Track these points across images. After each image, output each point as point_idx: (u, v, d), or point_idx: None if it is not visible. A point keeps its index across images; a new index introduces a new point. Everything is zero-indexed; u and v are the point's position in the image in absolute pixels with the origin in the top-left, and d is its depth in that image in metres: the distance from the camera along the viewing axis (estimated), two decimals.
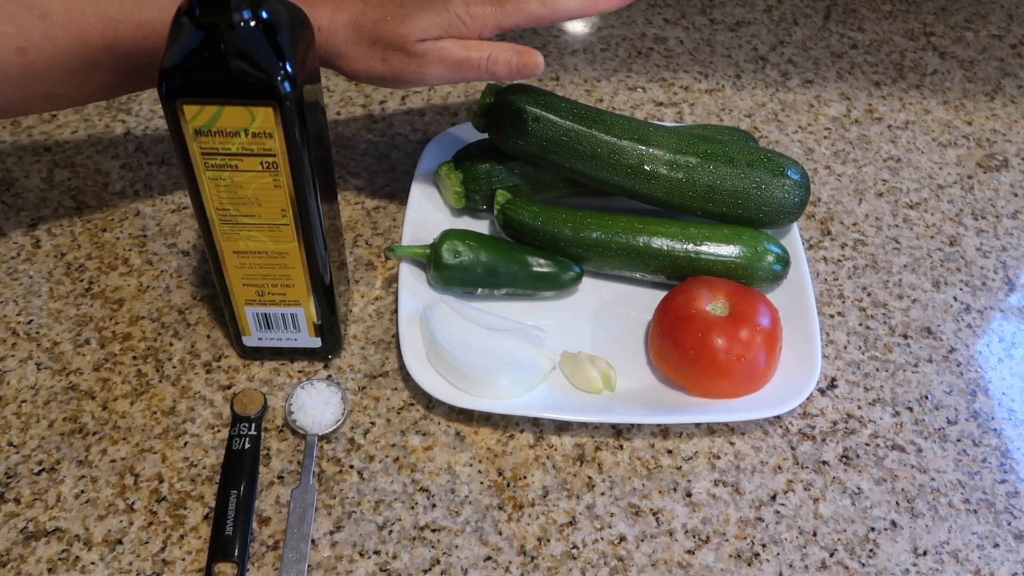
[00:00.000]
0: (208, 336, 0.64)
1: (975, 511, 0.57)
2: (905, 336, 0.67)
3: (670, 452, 0.59)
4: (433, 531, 0.55)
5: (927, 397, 0.63)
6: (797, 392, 0.59)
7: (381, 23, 0.57)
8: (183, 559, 0.53)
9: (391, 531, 0.55)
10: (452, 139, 0.74)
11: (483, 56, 0.57)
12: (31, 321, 0.65)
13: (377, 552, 0.54)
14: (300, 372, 0.63)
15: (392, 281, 0.68)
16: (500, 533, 0.55)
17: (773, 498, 0.57)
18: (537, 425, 0.60)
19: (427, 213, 0.70)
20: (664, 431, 0.60)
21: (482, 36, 0.58)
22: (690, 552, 0.55)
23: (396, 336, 0.64)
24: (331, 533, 0.55)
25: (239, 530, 0.54)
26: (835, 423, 0.61)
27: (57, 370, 0.62)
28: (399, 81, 0.60)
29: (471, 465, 0.58)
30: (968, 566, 0.55)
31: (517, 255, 0.65)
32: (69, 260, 0.69)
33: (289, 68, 0.47)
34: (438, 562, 0.54)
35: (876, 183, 0.78)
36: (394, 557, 0.54)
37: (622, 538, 0.55)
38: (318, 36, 0.57)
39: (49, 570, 0.53)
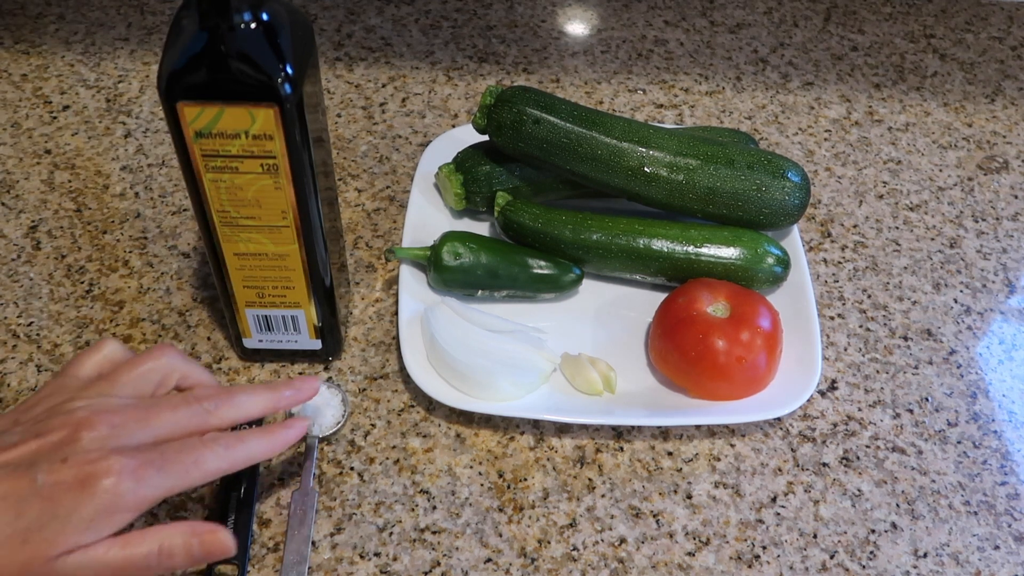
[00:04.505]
0: (208, 338, 0.64)
1: (975, 513, 0.57)
2: (905, 338, 0.67)
3: (670, 454, 0.59)
4: (433, 533, 0.55)
5: (927, 399, 0.63)
6: (797, 394, 0.59)
7: None
8: None
9: (391, 533, 0.55)
10: (452, 141, 0.74)
11: (152, 551, 0.43)
12: (31, 323, 0.65)
13: (377, 554, 0.54)
14: (300, 374, 0.63)
15: (392, 283, 0.68)
16: (500, 535, 0.55)
17: (773, 500, 0.57)
18: (537, 427, 0.60)
19: (427, 215, 0.70)
20: (664, 433, 0.60)
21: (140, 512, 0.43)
22: (690, 554, 0.55)
23: (396, 338, 0.64)
24: (331, 535, 0.55)
25: (239, 532, 0.54)
26: (835, 425, 0.61)
27: (58, 372, 0.62)
28: None
29: (471, 467, 0.58)
30: (968, 568, 0.55)
31: (517, 257, 0.65)
32: (69, 262, 0.69)
33: (290, 70, 0.47)
34: (438, 564, 0.54)
35: (876, 185, 0.78)
36: (394, 559, 0.54)
37: (622, 540, 0.55)
38: None
39: None
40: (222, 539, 0.45)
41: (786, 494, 0.58)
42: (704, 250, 0.64)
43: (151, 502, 0.43)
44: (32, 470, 0.41)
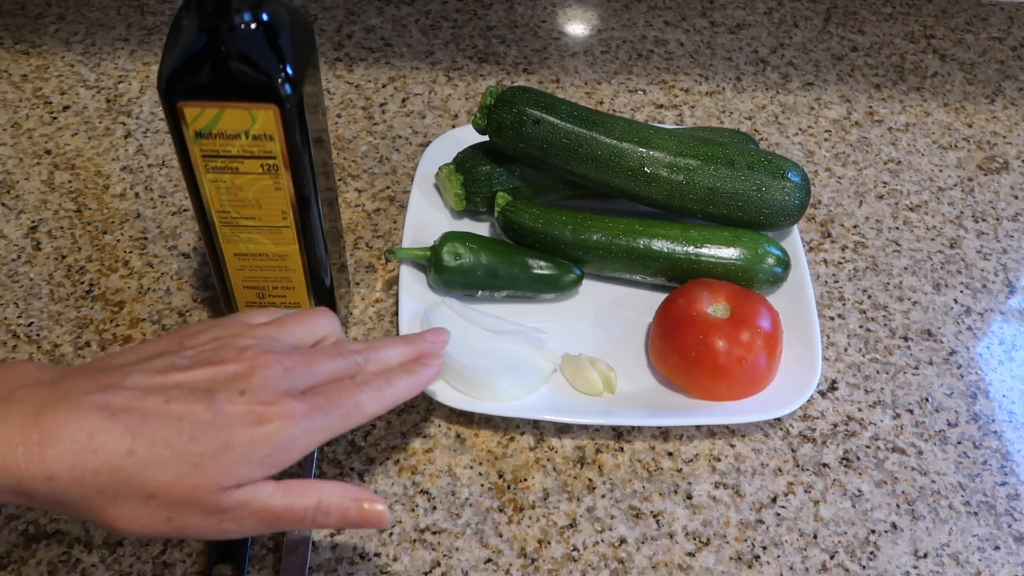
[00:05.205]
0: None
1: (975, 513, 0.57)
2: (905, 338, 0.67)
3: (670, 454, 0.59)
4: (434, 533, 0.55)
5: (927, 399, 0.63)
6: (798, 394, 0.59)
7: (162, 469, 0.40)
8: (183, 561, 0.53)
9: (391, 533, 0.55)
10: (453, 141, 0.74)
11: (311, 505, 0.44)
12: (32, 323, 0.65)
13: (378, 554, 0.54)
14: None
15: (393, 283, 0.68)
16: (500, 535, 0.55)
17: (773, 500, 0.57)
18: (537, 427, 0.60)
19: (427, 215, 0.70)
20: (664, 433, 0.60)
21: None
22: (690, 554, 0.55)
23: None
24: (332, 535, 0.55)
25: None
26: (835, 425, 0.61)
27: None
28: (187, 537, 0.47)
29: (471, 467, 0.58)
30: (968, 568, 0.55)
31: (517, 257, 0.65)
32: (70, 263, 0.69)
33: (290, 70, 0.47)
34: (439, 564, 0.54)
35: (876, 185, 0.78)
36: (395, 559, 0.54)
37: (622, 540, 0.55)
38: (48, 487, 0.39)
39: (49, 572, 0.53)
40: (380, 511, 0.45)
41: (786, 494, 0.58)
42: (704, 250, 0.64)
43: (316, 445, 0.44)
44: (210, 396, 0.42)
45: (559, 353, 0.62)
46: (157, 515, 0.41)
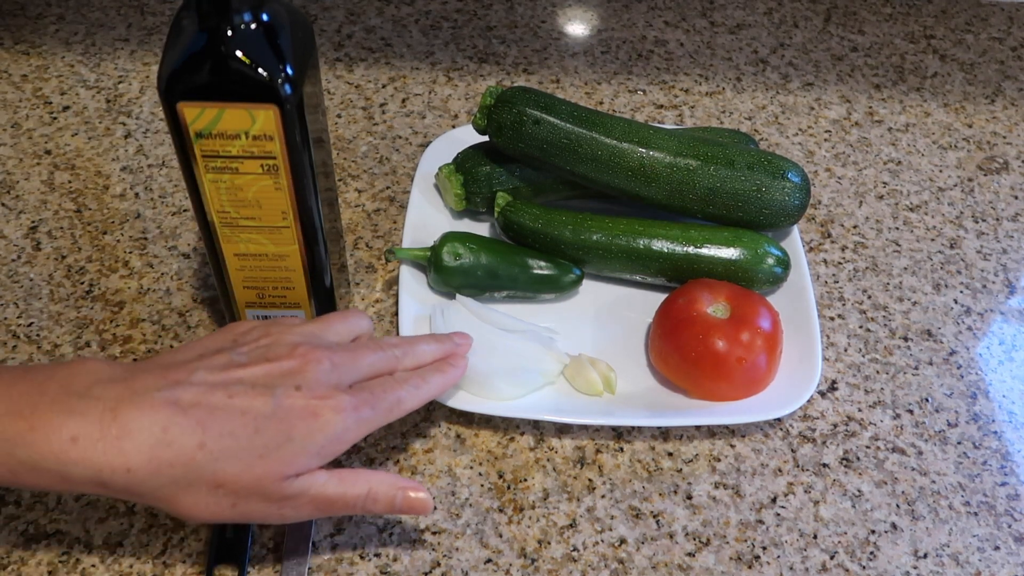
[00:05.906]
0: None
1: (975, 514, 0.57)
2: (905, 339, 0.67)
3: (670, 455, 0.59)
4: (433, 534, 0.55)
5: (927, 400, 0.63)
6: (798, 394, 0.59)
7: (230, 461, 0.44)
8: (184, 561, 0.53)
9: (391, 534, 0.55)
10: (453, 141, 0.74)
11: (361, 493, 0.47)
12: (32, 324, 0.65)
13: (378, 555, 0.54)
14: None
15: (393, 284, 0.68)
16: (500, 535, 0.55)
17: (773, 500, 0.57)
18: (537, 428, 0.60)
19: (427, 215, 0.70)
20: (664, 433, 0.60)
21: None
22: (690, 555, 0.55)
23: None
24: (332, 536, 0.55)
25: (240, 533, 0.54)
26: (835, 425, 0.61)
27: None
28: (250, 522, 0.50)
29: (471, 468, 0.58)
30: (968, 568, 0.55)
31: (517, 257, 0.65)
32: (70, 263, 0.69)
33: (290, 70, 0.47)
34: (438, 564, 0.54)
35: (876, 186, 0.78)
36: (395, 560, 0.54)
37: (622, 540, 0.55)
38: (127, 478, 0.42)
39: (49, 572, 0.53)
40: (424, 499, 0.49)
41: (786, 495, 0.58)
42: (704, 250, 0.64)
43: (362, 436, 0.47)
44: (269, 391, 0.45)
45: (565, 352, 0.62)
46: (224, 502, 0.45)
